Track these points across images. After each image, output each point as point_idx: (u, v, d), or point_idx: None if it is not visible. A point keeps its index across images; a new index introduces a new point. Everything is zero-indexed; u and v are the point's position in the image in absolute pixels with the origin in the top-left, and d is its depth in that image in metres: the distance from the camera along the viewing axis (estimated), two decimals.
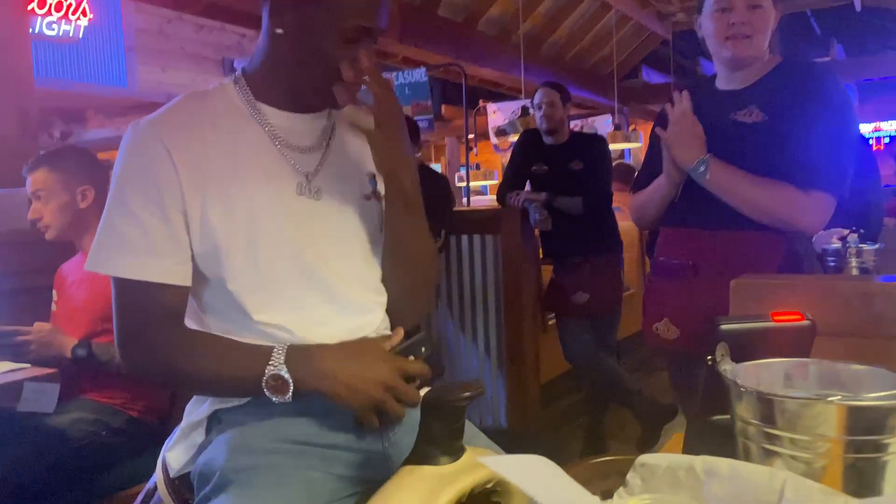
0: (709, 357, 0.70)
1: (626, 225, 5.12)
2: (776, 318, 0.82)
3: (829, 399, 0.61)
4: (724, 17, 1.60)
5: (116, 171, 1.05)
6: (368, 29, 1.05)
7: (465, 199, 5.78)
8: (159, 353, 1.03)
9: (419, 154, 4.18)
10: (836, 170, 1.55)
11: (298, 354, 0.98)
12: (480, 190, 9.66)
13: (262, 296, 1.05)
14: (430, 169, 2.74)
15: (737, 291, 1.31)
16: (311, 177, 1.09)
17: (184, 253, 1.03)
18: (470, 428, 1.10)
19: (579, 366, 3.45)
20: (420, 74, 5.30)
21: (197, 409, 1.08)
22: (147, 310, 1.02)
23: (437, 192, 2.55)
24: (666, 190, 1.72)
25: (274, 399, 0.97)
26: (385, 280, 1.17)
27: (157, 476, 1.13)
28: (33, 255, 2.33)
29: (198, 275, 1.05)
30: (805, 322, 0.81)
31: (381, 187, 1.16)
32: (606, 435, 3.42)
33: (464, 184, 5.89)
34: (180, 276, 1.03)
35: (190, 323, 1.07)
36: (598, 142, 3.57)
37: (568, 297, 3.34)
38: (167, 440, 1.15)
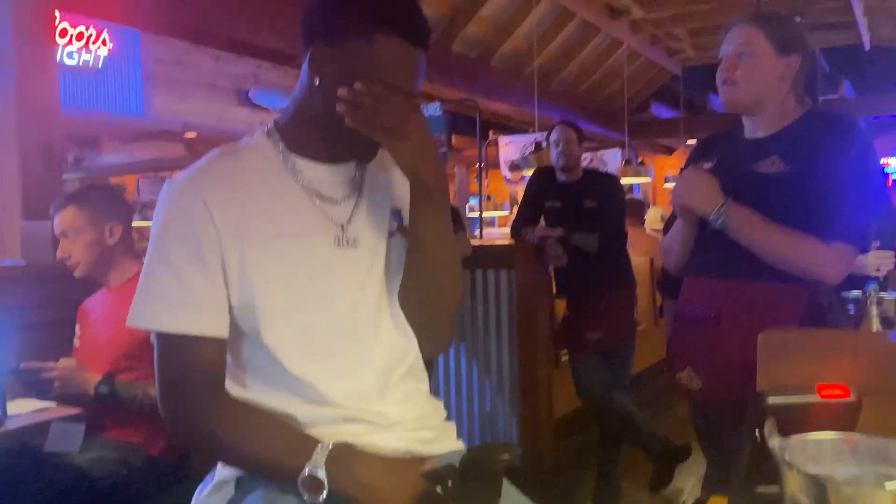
0: (756, 429, 0.71)
1: (636, 260, 5.17)
2: (822, 392, 0.83)
3: (886, 484, 0.62)
4: (720, 65, 1.65)
5: (156, 226, 1.06)
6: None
7: (476, 231, 5.80)
8: (201, 421, 1.03)
9: None
10: (859, 221, 1.55)
11: (339, 458, 0.99)
12: (489, 220, 9.71)
13: (297, 348, 1.06)
14: None
15: (764, 346, 1.32)
16: (345, 227, 1.11)
17: (222, 305, 1.04)
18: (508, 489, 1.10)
19: (592, 403, 3.44)
20: (435, 108, 5.36)
21: (225, 467, 1.10)
22: (188, 366, 1.03)
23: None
24: (683, 234, 1.74)
25: (306, 497, 0.98)
26: (406, 294, 1.14)
27: None
28: (57, 289, 2.35)
29: (235, 329, 1.07)
30: (851, 398, 0.82)
31: (406, 222, 1.17)
32: (619, 474, 3.40)
33: (475, 214, 5.92)
34: (218, 328, 1.04)
35: (228, 381, 1.08)
36: (612, 180, 3.61)
37: (582, 334, 3.34)
38: (198, 490, 1.15)
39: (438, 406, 1.20)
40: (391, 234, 1.16)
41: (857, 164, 1.54)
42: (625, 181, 7.09)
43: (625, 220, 3.55)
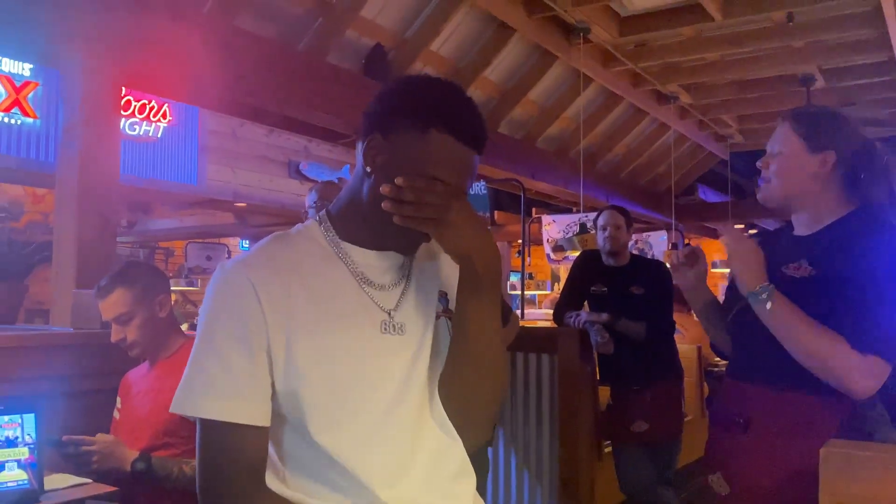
0: None
1: (684, 348, 5.04)
2: None
3: None
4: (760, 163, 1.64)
5: (205, 310, 1.06)
6: (443, 183, 1.05)
7: (519, 311, 5.74)
8: None
9: None
10: (886, 331, 1.43)
11: None
12: (530, 298, 9.64)
13: (341, 436, 1.03)
14: None
15: (827, 461, 1.24)
16: (392, 313, 1.10)
17: (265, 394, 1.03)
18: None
19: (636, 499, 3.29)
20: (480, 188, 5.42)
21: None
22: (228, 454, 1.01)
23: None
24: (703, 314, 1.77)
25: None
26: (447, 382, 1.11)
27: None
28: (103, 358, 2.37)
29: (278, 416, 1.05)
30: None
31: (452, 305, 1.15)
32: None
33: (517, 292, 5.87)
34: (261, 417, 1.03)
35: (269, 476, 1.05)
36: (660, 266, 3.55)
37: (626, 425, 3.24)
38: None
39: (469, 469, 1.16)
40: (437, 317, 1.14)
41: (890, 266, 1.44)
42: (672, 265, 7.02)
43: (672, 308, 3.47)
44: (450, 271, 1.17)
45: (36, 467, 1.67)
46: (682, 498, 3.49)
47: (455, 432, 1.12)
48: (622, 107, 6.66)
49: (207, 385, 1.02)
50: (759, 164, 1.62)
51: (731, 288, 1.72)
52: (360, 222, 1.12)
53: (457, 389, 1.11)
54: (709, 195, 9.73)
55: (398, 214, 1.03)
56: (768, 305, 1.49)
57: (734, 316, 1.69)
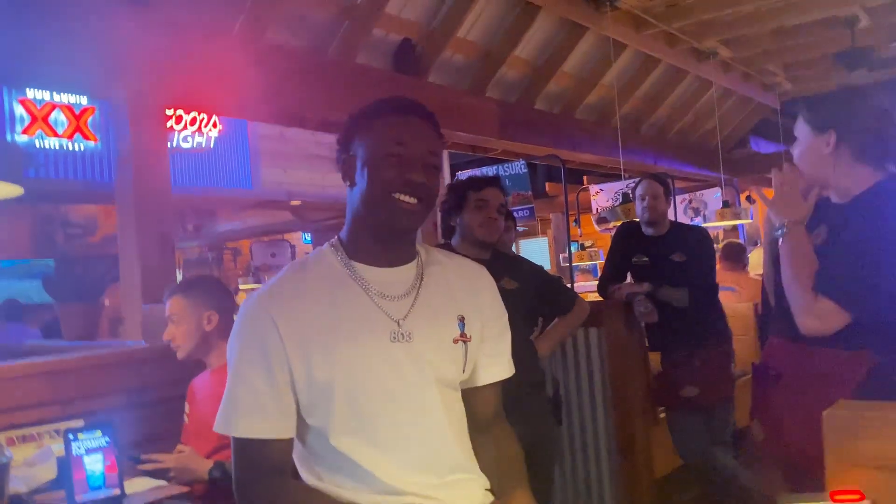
0: None
1: (741, 307, 5.01)
2: (835, 497, 0.84)
3: None
4: None
5: (232, 341, 1.22)
6: (401, 156, 1.20)
7: (569, 284, 5.79)
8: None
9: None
10: (856, 286, 1.54)
11: None
12: (588, 269, 9.61)
13: (361, 441, 1.17)
14: (527, 261, 2.83)
15: (830, 424, 1.30)
16: (401, 322, 1.21)
17: (287, 410, 1.18)
18: None
19: (692, 462, 3.36)
20: (520, 166, 5.46)
21: None
22: (256, 464, 1.17)
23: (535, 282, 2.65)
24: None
25: None
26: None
27: None
28: (174, 369, 2.57)
29: (304, 426, 1.19)
30: (865, 502, 0.83)
31: (468, 329, 1.26)
32: None
33: (568, 265, 5.93)
34: (283, 431, 1.19)
35: (303, 472, 1.20)
36: (700, 232, 3.57)
37: (677, 391, 3.29)
38: None
39: (490, 500, 1.27)
40: (454, 341, 1.25)
41: (877, 230, 1.55)
42: (726, 223, 6.89)
43: (715, 272, 3.48)
44: (464, 295, 1.29)
45: (118, 475, 1.87)
46: (742, 456, 3.52)
47: (467, 443, 1.27)
48: (660, 69, 6.56)
49: (236, 407, 1.18)
50: (790, 149, 1.75)
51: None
52: (363, 240, 1.24)
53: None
54: (762, 146, 9.47)
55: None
56: (780, 240, 1.63)
57: (773, 273, 1.78)
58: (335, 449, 1.17)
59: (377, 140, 1.21)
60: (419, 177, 1.21)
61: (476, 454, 1.29)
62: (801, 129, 1.70)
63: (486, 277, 1.38)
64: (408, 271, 1.26)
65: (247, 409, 1.17)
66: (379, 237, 1.24)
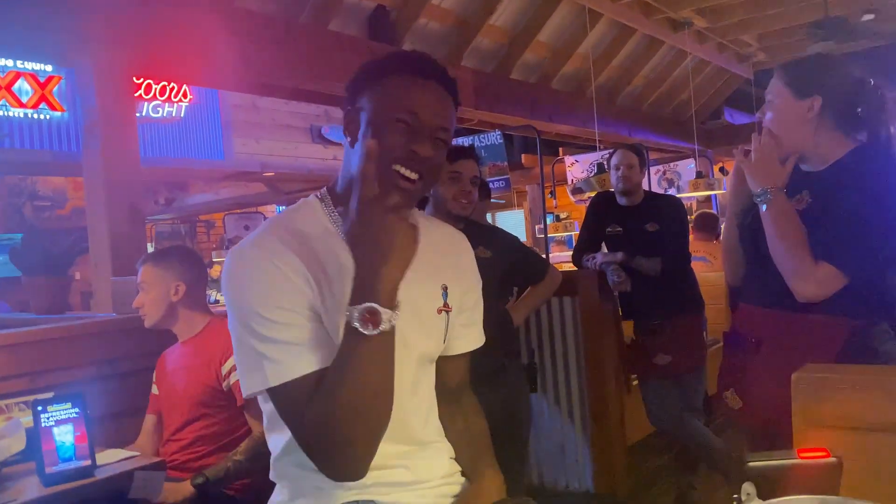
0: (734, 496, 0.74)
1: (713, 276, 5.08)
2: (802, 454, 0.85)
3: None
4: None
5: (230, 292, 1.09)
6: (409, 125, 1.09)
7: (545, 255, 5.82)
8: (326, 414, 1.02)
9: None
10: (855, 250, 1.54)
11: None
12: (564, 240, 9.65)
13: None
14: (500, 231, 2.83)
15: (799, 384, 1.32)
16: None
17: (315, 341, 1.06)
18: None
19: (664, 429, 3.41)
20: (496, 137, 5.44)
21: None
22: (302, 402, 1.03)
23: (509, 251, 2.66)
24: (728, 236, 1.83)
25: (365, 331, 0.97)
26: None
27: None
28: (142, 340, 2.55)
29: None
30: (831, 459, 0.84)
31: (450, 299, 1.23)
32: (698, 499, 3.34)
33: (543, 236, 5.94)
34: (316, 362, 1.05)
35: (276, 430, 1.16)
36: (673, 203, 3.58)
37: (649, 359, 3.33)
38: None
39: (458, 469, 1.27)
40: (437, 311, 1.21)
41: (866, 195, 1.54)
42: (698, 194, 6.94)
43: (688, 241, 3.51)
44: (446, 263, 1.24)
45: (89, 446, 1.85)
46: (714, 422, 3.59)
47: (435, 415, 1.26)
48: (636, 38, 6.55)
49: (260, 360, 1.04)
50: (757, 114, 1.71)
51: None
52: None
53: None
54: (736, 117, 9.53)
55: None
56: (763, 207, 1.60)
57: (744, 236, 1.78)
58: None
59: (387, 100, 1.10)
60: (426, 150, 1.09)
61: (443, 424, 1.27)
62: (780, 92, 1.66)
63: (467, 245, 1.34)
64: None
65: (272, 354, 1.04)
66: None
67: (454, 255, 1.29)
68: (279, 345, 1.04)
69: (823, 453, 0.85)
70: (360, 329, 0.96)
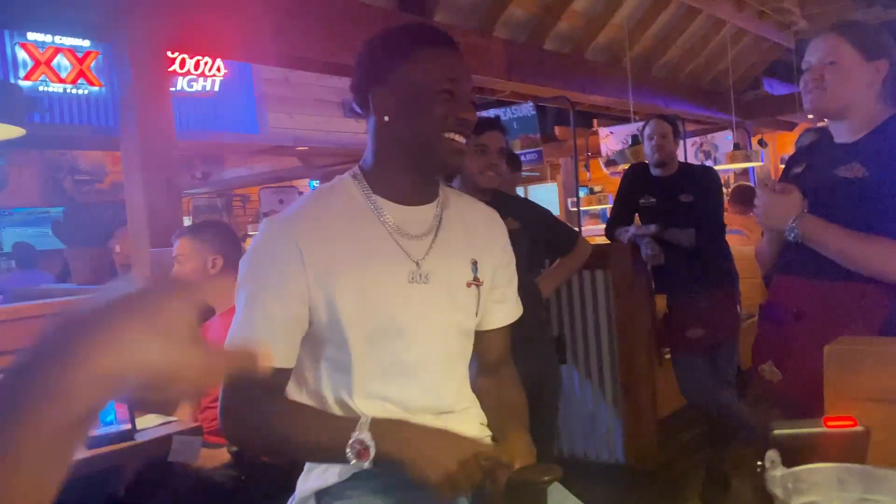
0: (759, 462, 0.74)
1: (747, 250, 4.97)
2: (828, 423, 0.84)
3: None
4: (805, 74, 1.67)
5: (248, 264, 1.18)
6: (452, 93, 1.17)
7: (577, 228, 5.78)
8: (258, 423, 1.14)
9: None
10: None
11: (382, 424, 1.08)
12: (598, 214, 9.57)
13: (373, 369, 1.17)
14: (529, 202, 2.83)
15: (832, 358, 1.31)
16: (420, 263, 1.20)
17: (295, 341, 1.16)
18: (559, 491, 1.18)
19: (695, 402, 3.39)
20: (528, 108, 5.38)
21: (303, 486, 1.22)
22: (252, 388, 1.13)
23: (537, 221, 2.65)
24: (769, 241, 1.78)
25: (354, 462, 1.05)
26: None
27: None
28: None
29: (320, 341, 1.18)
30: (858, 428, 0.83)
31: (480, 273, 1.26)
32: (729, 472, 3.33)
33: (576, 209, 5.90)
34: (289, 361, 1.16)
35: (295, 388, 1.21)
36: (708, 173, 3.53)
37: (682, 333, 3.30)
38: None
39: (487, 434, 1.30)
40: (468, 285, 1.25)
41: None
42: (736, 166, 6.82)
43: (723, 212, 3.46)
44: (478, 239, 1.28)
45: (129, 409, 1.91)
46: (746, 396, 3.56)
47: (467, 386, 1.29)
48: (672, 7, 6.40)
49: (249, 330, 1.14)
50: (808, 76, 1.66)
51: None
52: (387, 178, 1.21)
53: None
54: (776, 87, 9.29)
55: None
56: (801, 233, 1.60)
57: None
58: (349, 368, 1.17)
59: (427, 74, 1.16)
60: (471, 115, 1.18)
61: (479, 396, 1.30)
62: (848, 52, 1.63)
63: (500, 222, 1.37)
64: (428, 211, 1.25)
65: (259, 332, 1.13)
66: (415, 175, 1.21)
67: (486, 231, 1.32)
68: (263, 323, 1.13)
69: (850, 422, 0.85)
70: (350, 455, 1.06)
